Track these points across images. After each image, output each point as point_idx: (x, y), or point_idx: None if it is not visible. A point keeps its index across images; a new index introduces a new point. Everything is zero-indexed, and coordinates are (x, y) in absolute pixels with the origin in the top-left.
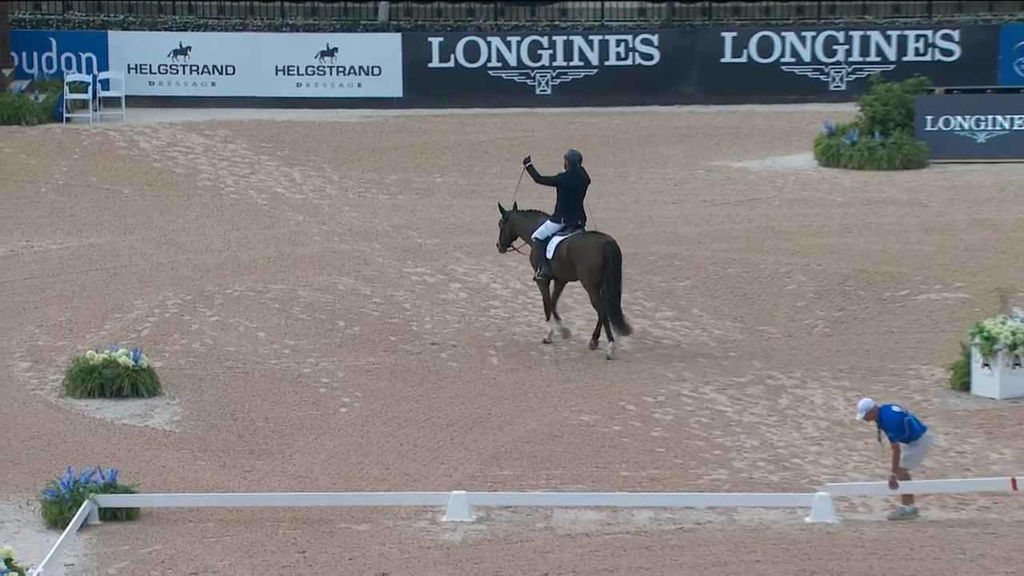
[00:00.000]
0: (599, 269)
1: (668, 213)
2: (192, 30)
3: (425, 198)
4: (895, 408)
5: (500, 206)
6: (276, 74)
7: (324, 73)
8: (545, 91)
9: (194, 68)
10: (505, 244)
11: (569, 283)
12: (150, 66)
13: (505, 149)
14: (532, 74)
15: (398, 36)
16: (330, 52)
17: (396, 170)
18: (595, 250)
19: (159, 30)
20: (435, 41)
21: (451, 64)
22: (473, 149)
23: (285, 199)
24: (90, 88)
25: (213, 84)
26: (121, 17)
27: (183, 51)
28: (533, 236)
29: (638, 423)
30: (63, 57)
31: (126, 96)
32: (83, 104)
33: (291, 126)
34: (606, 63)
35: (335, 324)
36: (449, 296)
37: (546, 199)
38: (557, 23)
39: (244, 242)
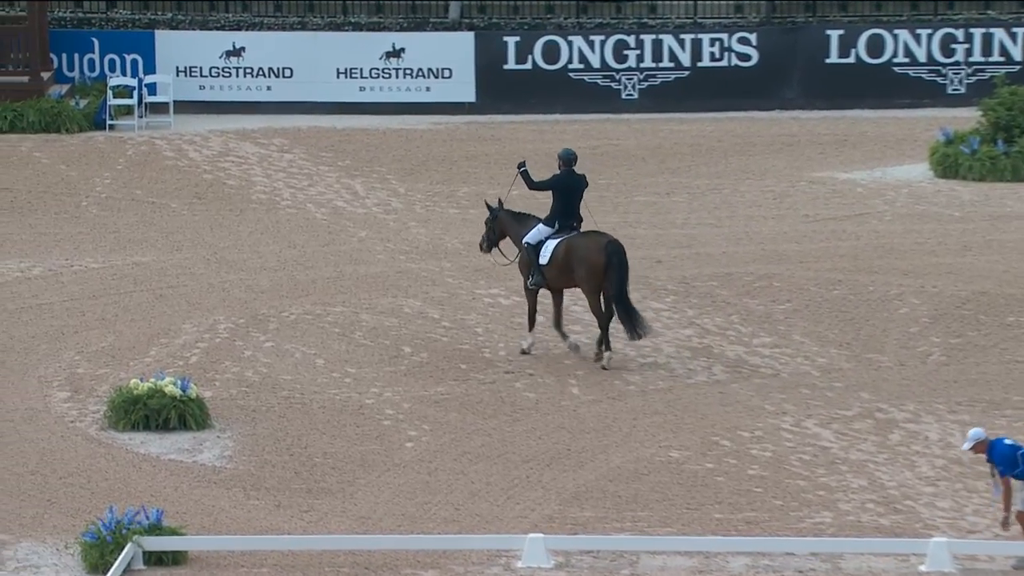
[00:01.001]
0: (602, 271)
1: (767, 229)
2: (246, 29)
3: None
4: (1008, 441)
5: (487, 203)
6: (337, 77)
7: (389, 76)
8: (631, 95)
9: (248, 71)
10: (491, 244)
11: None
12: (200, 69)
13: (587, 159)
14: (617, 76)
15: (471, 35)
16: (396, 53)
17: (467, 182)
18: (597, 250)
19: (210, 29)
20: (511, 41)
21: (528, 66)
22: (552, 159)
23: (346, 213)
24: (135, 93)
25: (269, 88)
26: (169, 15)
27: (236, 52)
28: (524, 241)
29: (733, 460)
30: (106, 59)
31: (174, 101)
32: (128, 110)
33: (353, 134)
34: (699, 64)
35: (400, 350)
36: (521, 319)
37: (542, 205)
38: (645, 21)
39: (301, 261)
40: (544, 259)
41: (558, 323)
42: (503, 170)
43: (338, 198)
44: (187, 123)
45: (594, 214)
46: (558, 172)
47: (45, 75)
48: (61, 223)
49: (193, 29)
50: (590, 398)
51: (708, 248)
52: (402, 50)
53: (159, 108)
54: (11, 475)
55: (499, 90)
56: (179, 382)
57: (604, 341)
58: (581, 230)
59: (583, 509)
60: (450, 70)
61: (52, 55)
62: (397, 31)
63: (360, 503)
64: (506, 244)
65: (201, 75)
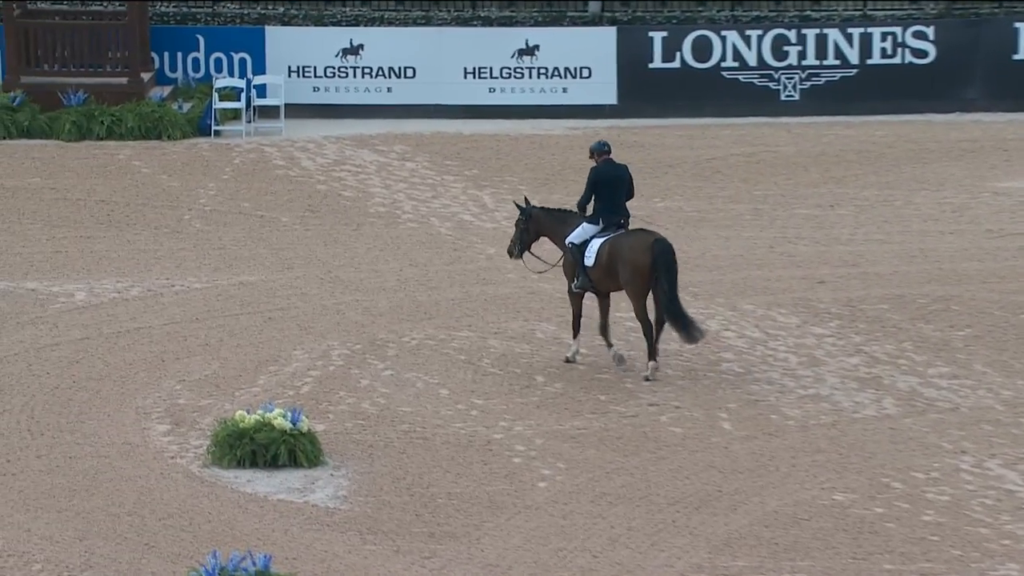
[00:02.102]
0: (648, 271)
1: (944, 246)
2: (365, 25)
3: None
4: None
5: (516, 203)
6: (464, 77)
7: (522, 76)
8: (792, 96)
9: (367, 71)
10: (523, 248)
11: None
12: (314, 68)
13: (741, 168)
14: (776, 76)
15: (612, 31)
16: (530, 51)
17: None
18: (642, 249)
19: (325, 25)
20: (657, 36)
21: (676, 64)
22: (702, 168)
23: (474, 228)
24: (243, 95)
25: (389, 90)
26: (281, 10)
27: (354, 50)
28: (568, 241)
29: (905, 504)
30: (212, 58)
31: (285, 105)
32: (235, 115)
33: (482, 140)
34: (868, 62)
35: (532, 380)
36: (671, 346)
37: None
38: (808, 13)
39: (423, 280)
40: (589, 260)
41: (604, 329)
42: (648, 180)
43: (465, 211)
44: (299, 128)
45: (746, 228)
46: (595, 166)
47: (145, 76)
48: (161, 239)
49: (307, 25)
50: (743, 434)
51: (877, 267)
52: (536, 47)
53: (269, 112)
54: (106, 516)
55: (643, 91)
56: (289, 414)
57: (650, 350)
58: (629, 228)
59: (735, 558)
60: (589, 69)
61: (153, 54)
62: (531, 26)
63: (487, 549)
64: (540, 247)
65: (315, 75)
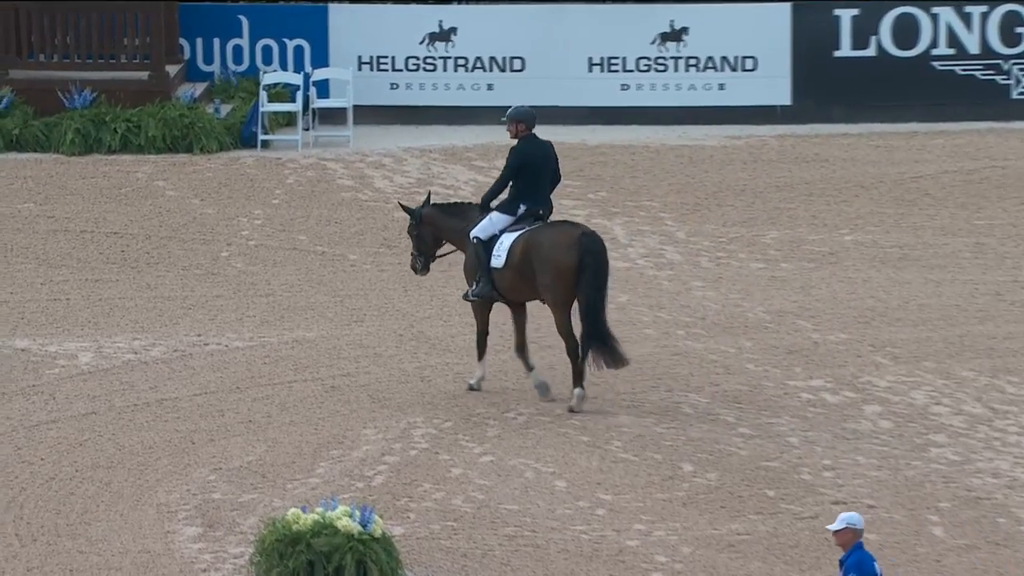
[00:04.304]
0: (573, 274)
1: None
2: (457, 2)
3: (825, 267)
4: (878, 568)
5: (402, 204)
6: (590, 70)
7: (665, 68)
8: None
9: (460, 62)
10: (427, 260)
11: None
12: (392, 59)
13: (959, 189)
14: (1005, 67)
15: (786, 8)
16: (676, 35)
17: (778, 222)
18: (566, 246)
19: (407, 2)
20: (846, 15)
21: (871, 51)
22: (905, 188)
23: None
24: (299, 95)
25: (490, 87)
26: None
27: (444, 35)
28: (472, 235)
29: None
30: (259, 46)
31: (354, 107)
32: (288, 120)
33: (611, 152)
34: None
35: (678, 468)
36: (863, 426)
37: None
38: None
39: (534, 337)
40: (497, 260)
41: (522, 348)
42: (832, 205)
43: None
44: (372, 138)
45: (965, 269)
46: (516, 145)
47: (172, 70)
48: (192, 282)
49: (382, 2)
50: (960, 542)
51: None
52: (684, 30)
53: (333, 116)
54: None
55: (827, 87)
56: (358, 514)
57: (576, 373)
58: (549, 220)
59: None
60: (754, 59)
61: (182, 41)
62: (677, 3)
63: None
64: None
65: (393, 68)
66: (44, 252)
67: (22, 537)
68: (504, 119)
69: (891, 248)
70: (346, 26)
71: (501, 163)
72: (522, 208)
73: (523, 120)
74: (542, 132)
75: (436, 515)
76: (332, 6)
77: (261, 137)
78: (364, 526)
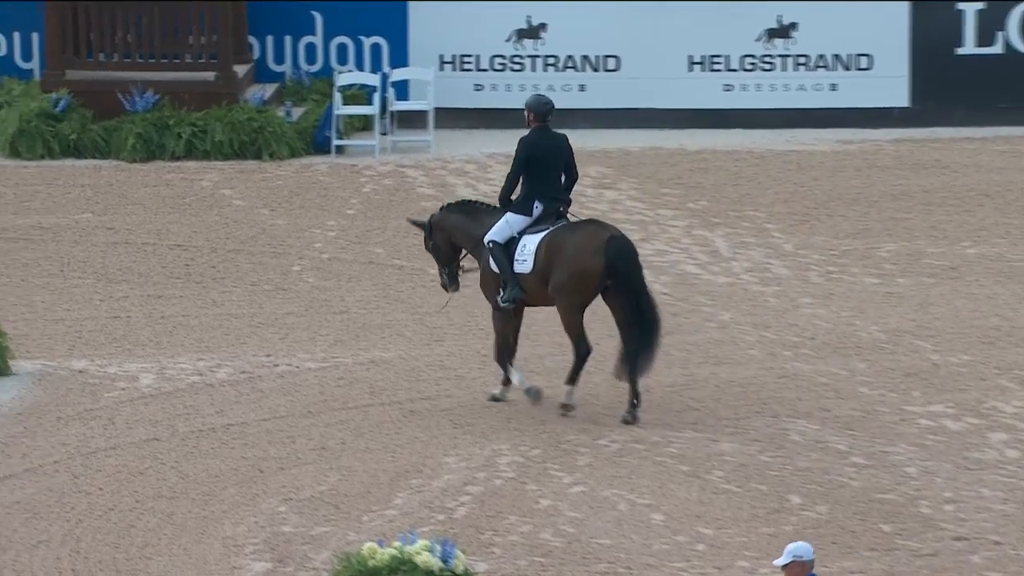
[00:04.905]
0: (595, 280)
1: None
2: None
3: (946, 282)
4: None
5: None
6: (690, 70)
7: (772, 67)
8: None
9: (550, 61)
10: (453, 274)
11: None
12: (476, 59)
13: None
14: None
15: (904, 4)
16: (784, 31)
17: (894, 234)
18: (592, 250)
19: None
20: (970, 9)
21: (997, 49)
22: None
23: (700, 283)
24: (377, 97)
25: (582, 88)
26: None
27: (533, 32)
28: (487, 240)
29: None
30: (333, 44)
31: (436, 109)
32: (364, 123)
33: (713, 158)
34: None
35: (784, 500)
36: (987, 455)
37: None
38: None
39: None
40: (523, 265)
41: (510, 352)
42: (954, 215)
43: (688, 259)
44: (455, 143)
45: None
46: (525, 136)
47: (240, 70)
48: (260, 299)
49: None
50: None
51: None
52: (793, 26)
53: (413, 119)
54: None
55: (948, 88)
56: (439, 548)
57: (574, 372)
58: (571, 219)
59: None
60: (870, 57)
61: (251, 39)
62: None
63: None
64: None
65: (477, 68)
66: (103, 266)
67: (79, 573)
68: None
69: (1018, 262)
70: (427, 23)
71: (596, 170)
72: (538, 207)
73: (532, 109)
74: (637, 136)
75: (523, 550)
76: (412, 2)
77: (335, 142)
78: (445, 561)
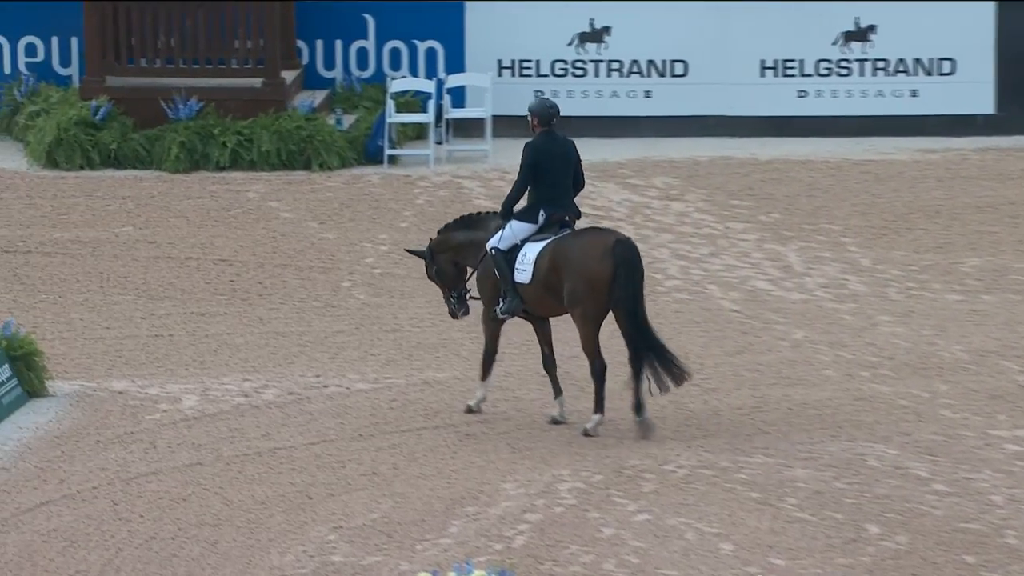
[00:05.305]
0: (606, 286)
1: None
2: None
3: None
4: None
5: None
6: (761, 75)
7: (848, 72)
8: None
9: (614, 66)
10: (461, 296)
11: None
12: (537, 63)
13: None
14: None
15: (989, 4)
16: (862, 33)
17: (979, 248)
18: (599, 255)
19: (553, 0)
20: None
21: None
22: None
23: (772, 301)
24: (432, 103)
25: (647, 95)
26: None
27: (596, 35)
28: (489, 247)
29: None
30: (386, 49)
31: (494, 117)
32: (419, 132)
33: (787, 168)
34: None
35: (862, 530)
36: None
37: None
38: None
39: (696, 379)
40: (523, 275)
41: (550, 364)
42: None
43: (759, 275)
44: (514, 151)
45: None
46: (531, 140)
47: (288, 76)
48: (309, 316)
49: (526, 0)
50: None
51: None
52: (871, 28)
53: (469, 128)
54: None
55: None
56: None
57: (598, 398)
58: (576, 227)
59: None
60: (952, 61)
61: (300, 44)
62: None
63: None
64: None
65: (537, 74)
66: (144, 282)
67: None
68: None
69: None
70: (485, 26)
71: (662, 180)
72: (543, 215)
73: (536, 114)
74: (706, 145)
75: None
76: (469, 4)
77: (388, 152)
78: None
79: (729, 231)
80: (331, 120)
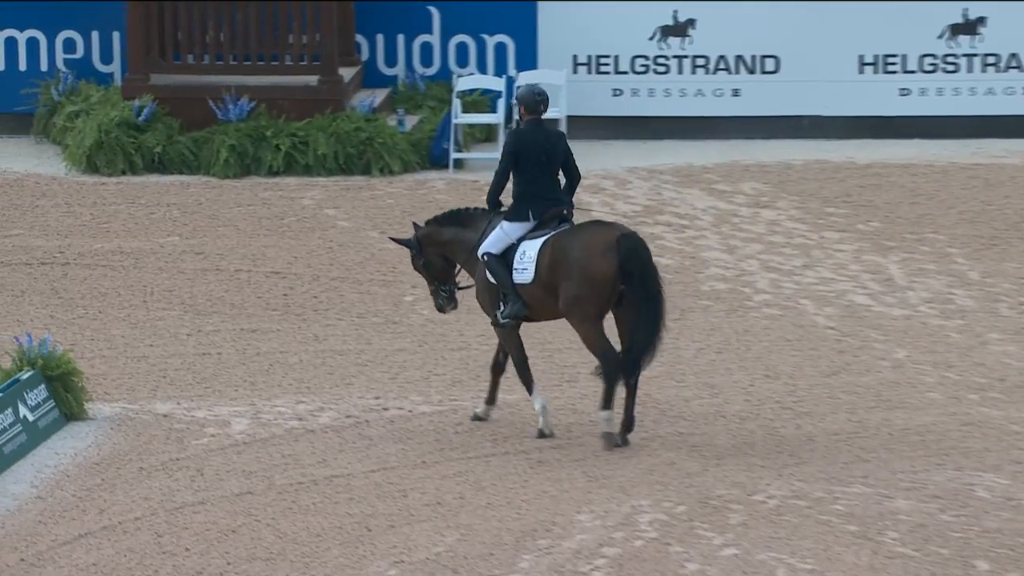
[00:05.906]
0: (608, 285)
1: None
2: None
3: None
4: None
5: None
6: (860, 72)
7: (955, 68)
8: None
9: (700, 62)
10: (450, 293)
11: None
12: (615, 60)
13: None
14: None
15: None
16: (970, 26)
17: None
18: (601, 251)
19: None
20: None
21: None
22: None
23: (871, 316)
24: (502, 104)
25: (736, 92)
26: None
27: (679, 29)
28: (481, 253)
29: None
30: (452, 45)
31: (569, 117)
32: (487, 134)
33: (887, 173)
34: None
35: (970, 566)
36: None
37: None
38: None
39: (788, 400)
40: (523, 275)
41: (498, 371)
42: None
43: (857, 288)
44: (590, 155)
45: None
46: (515, 128)
47: (347, 73)
48: (368, 332)
49: None
50: None
51: None
52: (980, 20)
53: None
54: None
55: None
56: None
57: (606, 395)
58: (574, 221)
59: None
60: None
61: (359, 39)
62: None
63: None
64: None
65: (616, 71)
66: (191, 296)
67: None
68: None
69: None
70: (559, 19)
71: (751, 186)
72: (532, 212)
73: (522, 102)
74: (799, 147)
75: None
76: None
77: (454, 155)
78: None
79: (824, 241)
80: (392, 121)
